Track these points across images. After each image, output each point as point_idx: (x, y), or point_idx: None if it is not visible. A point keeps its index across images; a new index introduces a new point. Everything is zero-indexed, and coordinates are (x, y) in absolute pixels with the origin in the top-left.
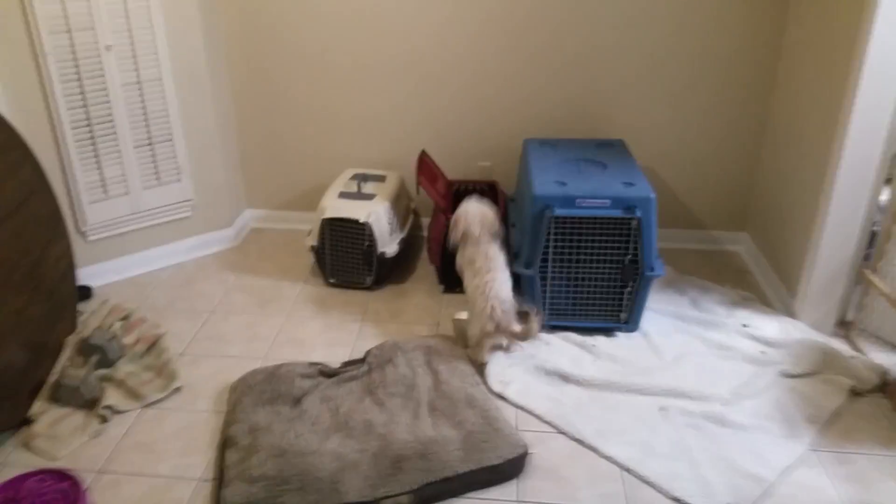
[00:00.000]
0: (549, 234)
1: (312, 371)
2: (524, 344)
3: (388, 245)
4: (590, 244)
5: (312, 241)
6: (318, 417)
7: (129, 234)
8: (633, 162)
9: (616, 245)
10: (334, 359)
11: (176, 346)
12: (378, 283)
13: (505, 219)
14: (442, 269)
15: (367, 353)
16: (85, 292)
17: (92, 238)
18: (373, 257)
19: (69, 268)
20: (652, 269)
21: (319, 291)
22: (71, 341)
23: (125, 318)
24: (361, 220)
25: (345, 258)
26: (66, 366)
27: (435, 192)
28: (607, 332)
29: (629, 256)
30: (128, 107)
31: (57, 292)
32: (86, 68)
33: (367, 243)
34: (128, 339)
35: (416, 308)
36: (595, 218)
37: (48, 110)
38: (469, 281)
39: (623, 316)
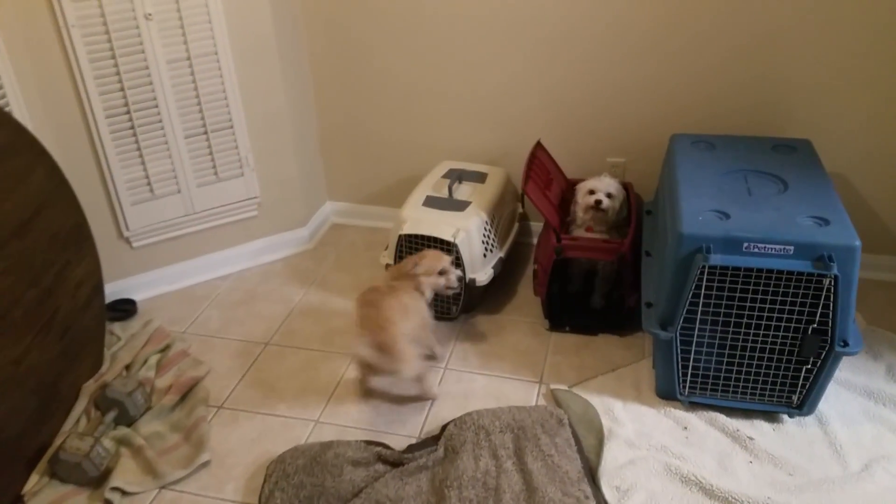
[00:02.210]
0: (699, 286)
1: (369, 455)
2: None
3: (480, 270)
4: (758, 304)
5: (388, 258)
6: None
7: (182, 238)
8: (827, 179)
9: (796, 308)
10: (402, 428)
11: (216, 394)
12: (467, 311)
13: (637, 238)
14: (548, 302)
15: (444, 428)
16: (128, 308)
17: (137, 244)
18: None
19: (94, 294)
20: (845, 344)
21: None
22: (89, 389)
23: (165, 350)
24: (447, 239)
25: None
26: (72, 430)
27: (546, 204)
28: (770, 416)
29: (814, 325)
30: (175, 89)
31: (75, 327)
32: (121, 42)
33: None
34: (161, 382)
35: (513, 352)
36: (770, 271)
37: (77, 95)
38: None
39: (795, 399)
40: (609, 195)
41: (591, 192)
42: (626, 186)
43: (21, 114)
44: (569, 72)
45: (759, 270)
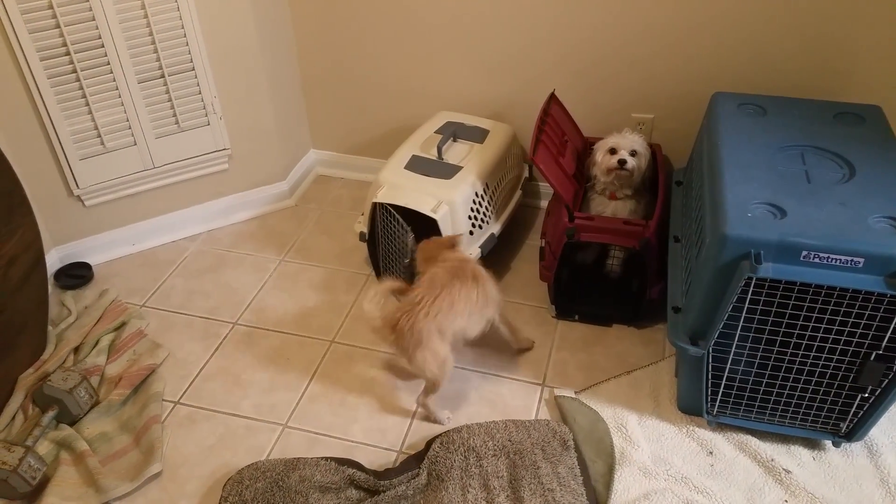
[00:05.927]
0: (742, 299)
1: (339, 480)
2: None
3: (467, 249)
4: (812, 322)
5: (363, 225)
6: None
7: (142, 195)
8: None
9: (859, 329)
10: (382, 439)
11: (172, 386)
12: None
13: (664, 216)
14: (556, 286)
15: (429, 445)
16: (84, 273)
17: (91, 203)
18: None
19: (33, 270)
20: None
21: None
22: (26, 381)
23: (119, 329)
24: (426, 213)
25: (402, 259)
26: (3, 432)
27: (559, 175)
28: (810, 442)
29: (878, 350)
30: (124, 25)
31: (8, 311)
32: None
33: None
34: (112, 369)
35: (511, 346)
36: (832, 287)
37: (5, 35)
38: None
39: (843, 427)
40: (634, 153)
41: (613, 152)
42: (653, 149)
43: None
44: (591, 8)
45: (819, 285)
